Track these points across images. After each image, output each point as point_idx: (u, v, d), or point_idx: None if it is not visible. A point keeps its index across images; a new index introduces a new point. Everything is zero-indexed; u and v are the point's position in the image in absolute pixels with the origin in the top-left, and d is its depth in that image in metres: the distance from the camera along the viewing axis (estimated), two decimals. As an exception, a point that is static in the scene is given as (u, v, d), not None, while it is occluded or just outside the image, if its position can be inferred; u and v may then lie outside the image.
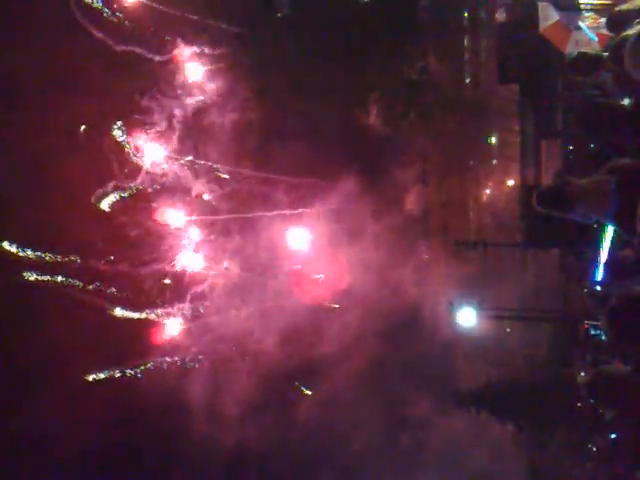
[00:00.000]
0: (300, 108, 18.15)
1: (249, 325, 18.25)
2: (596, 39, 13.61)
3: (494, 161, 19.99)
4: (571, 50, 14.15)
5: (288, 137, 17.89)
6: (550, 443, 17.48)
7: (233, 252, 18.58)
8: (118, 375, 18.37)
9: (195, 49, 17.97)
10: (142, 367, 18.42)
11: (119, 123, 18.05)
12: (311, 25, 18.45)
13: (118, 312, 18.26)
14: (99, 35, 17.37)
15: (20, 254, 17.68)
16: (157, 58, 17.89)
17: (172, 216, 18.48)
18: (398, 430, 18.00)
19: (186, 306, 18.47)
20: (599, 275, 12.47)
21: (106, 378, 18.28)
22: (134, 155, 18.19)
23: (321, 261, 18.44)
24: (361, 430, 17.79)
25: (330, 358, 17.63)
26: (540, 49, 15.95)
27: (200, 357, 18.49)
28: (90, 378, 18.13)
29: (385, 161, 18.32)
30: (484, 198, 20.36)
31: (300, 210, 18.40)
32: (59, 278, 17.96)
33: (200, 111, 18.11)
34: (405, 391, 17.80)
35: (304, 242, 18.40)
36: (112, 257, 18.02)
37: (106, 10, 17.62)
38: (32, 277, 17.83)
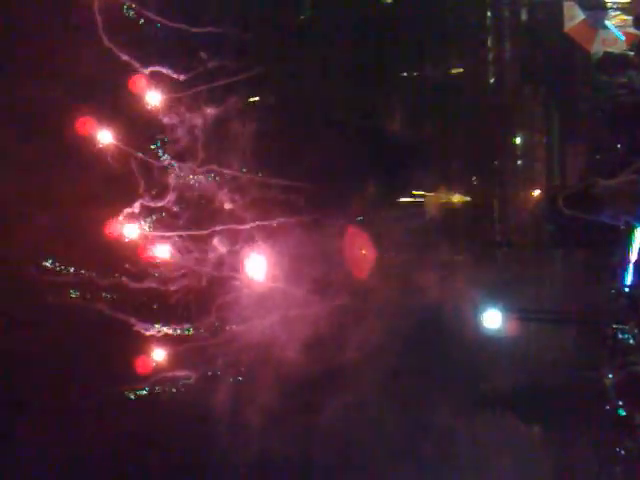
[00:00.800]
0: (321, 113, 18.16)
1: (274, 333, 18.24)
2: (623, 38, 13.51)
3: (519, 162, 19.86)
4: (597, 49, 14.05)
5: (309, 142, 17.91)
6: (577, 446, 17.32)
7: (259, 261, 18.61)
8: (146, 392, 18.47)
9: (216, 63, 17.96)
10: (168, 384, 18.49)
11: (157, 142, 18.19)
12: (333, 27, 18.45)
13: (144, 328, 18.34)
14: (124, 57, 17.48)
15: (60, 272, 17.84)
16: (182, 77, 17.95)
17: (196, 229, 18.55)
18: (422, 433, 17.92)
19: (212, 318, 18.49)
20: (628, 277, 12.34)
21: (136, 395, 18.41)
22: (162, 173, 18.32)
23: (343, 265, 18.40)
24: (385, 432, 17.76)
25: (352, 361, 17.61)
26: (565, 49, 15.87)
27: (229, 368, 18.49)
28: (121, 395, 18.25)
29: (408, 163, 18.27)
30: (509, 199, 20.24)
31: (320, 215, 18.39)
32: (87, 295, 18.11)
33: (221, 122, 18.13)
34: (429, 393, 17.73)
35: (326, 247, 18.39)
36: (139, 274, 18.13)
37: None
38: (73, 295, 18.02)
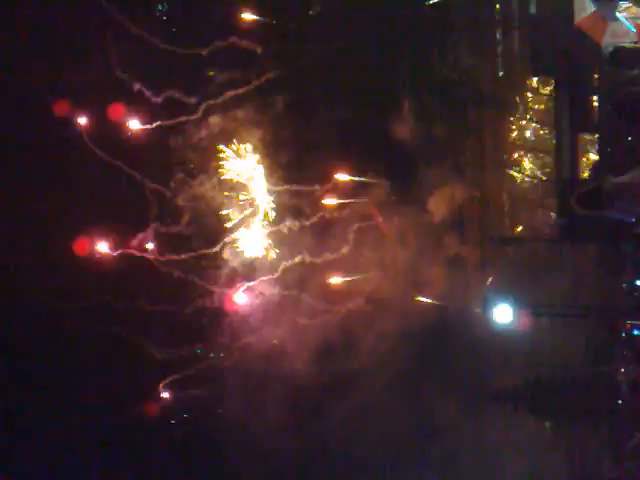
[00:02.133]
0: (331, 111, 18.12)
1: (286, 341, 18.25)
2: (634, 29, 13.38)
3: (529, 155, 19.74)
4: (608, 42, 13.91)
5: (318, 146, 17.93)
6: (590, 442, 17.25)
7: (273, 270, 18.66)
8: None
9: (226, 75, 17.95)
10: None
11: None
12: (342, 23, 18.40)
13: (158, 351, 18.40)
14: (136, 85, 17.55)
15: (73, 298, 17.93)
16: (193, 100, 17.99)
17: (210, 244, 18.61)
18: (433, 430, 17.91)
19: (226, 334, 18.49)
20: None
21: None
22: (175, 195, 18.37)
23: (354, 262, 18.37)
24: (396, 428, 17.76)
25: (362, 357, 17.62)
26: (575, 41, 15.73)
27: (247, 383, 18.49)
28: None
29: (418, 157, 18.21)
30: (519, 192, 20.14)
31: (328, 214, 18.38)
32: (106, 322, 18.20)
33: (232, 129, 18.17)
34: (439, 389, 17.70)
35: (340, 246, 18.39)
36: (155, 298, 18.20)
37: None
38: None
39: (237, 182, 18.54)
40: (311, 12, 19.65)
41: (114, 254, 18.04)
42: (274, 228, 18.47)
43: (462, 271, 18.36)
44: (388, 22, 18.31)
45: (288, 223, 18.37)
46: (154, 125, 18.03)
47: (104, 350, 17.76)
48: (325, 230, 18.39)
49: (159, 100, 17.90)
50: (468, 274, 18.46)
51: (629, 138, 14.51)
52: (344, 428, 17.58)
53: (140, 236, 18.14)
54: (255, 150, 18.35)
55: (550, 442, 18.26)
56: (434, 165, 18.23)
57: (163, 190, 18.32)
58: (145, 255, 18.19)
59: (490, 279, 18.21)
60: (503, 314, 17.12)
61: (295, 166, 18.27)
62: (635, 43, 12.99)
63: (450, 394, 17.67)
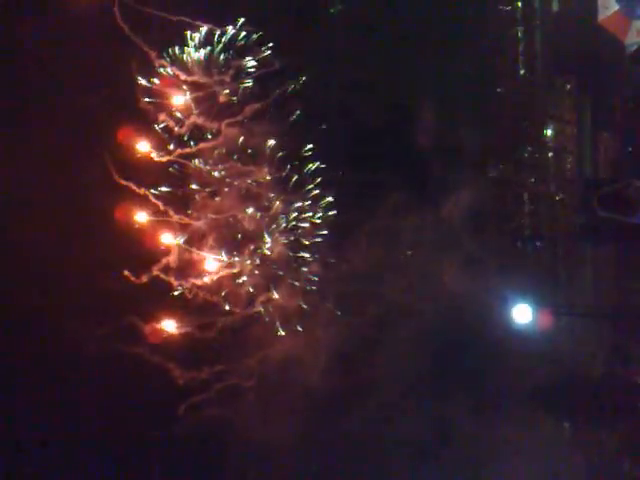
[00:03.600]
0: (351, 111, 18.13)
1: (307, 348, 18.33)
2: (658, 28, 13.25)
3: (550, 154, 19.60)
4: (631, 40, 13.83)
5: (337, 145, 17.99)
6: (609, 443, 17.15)
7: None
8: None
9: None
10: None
11: None
12: (362, 22, 18.35)
13: (181, 373, 18.57)
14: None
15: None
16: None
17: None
18: (451, 428, 17.87)
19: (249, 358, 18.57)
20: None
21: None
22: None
23: (373, 265, 18.36)
24: (414, 426, 17.75)
25: (382, 356, 17.63)
26: (598, 39, 15.63)
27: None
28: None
29: (441, 156, 18.13)
30: (540, 191, 20.01)
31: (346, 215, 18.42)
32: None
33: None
34: (458, 388, 17.66)
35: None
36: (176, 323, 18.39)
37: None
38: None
39: (255, 193, 18.64)
40: (332, 10, 19.61)
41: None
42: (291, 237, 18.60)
43: (482, 271, 18.28)
44: (409, 17, 18.24)
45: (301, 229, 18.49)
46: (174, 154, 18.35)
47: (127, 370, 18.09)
48: (343, 234, 18.46)
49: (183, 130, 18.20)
50: (488, 274, 18.38)
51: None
52: (366, 427, 17.68)
53: (164, 259, 18.41)
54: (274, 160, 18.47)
55: (569, 442, 18.19)
56: (455, 164, 18.16)
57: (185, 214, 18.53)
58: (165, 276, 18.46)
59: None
60: (522, 314, 17.08)
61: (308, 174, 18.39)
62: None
63: (468, 395, 17.64)
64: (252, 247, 18.41)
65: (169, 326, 18.27)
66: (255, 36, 17.75)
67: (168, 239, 18.32)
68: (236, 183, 18.20)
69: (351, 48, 18.49)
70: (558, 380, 17.61)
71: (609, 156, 17.83)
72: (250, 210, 18.36)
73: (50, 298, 17.17)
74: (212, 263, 18.39)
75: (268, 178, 18.21)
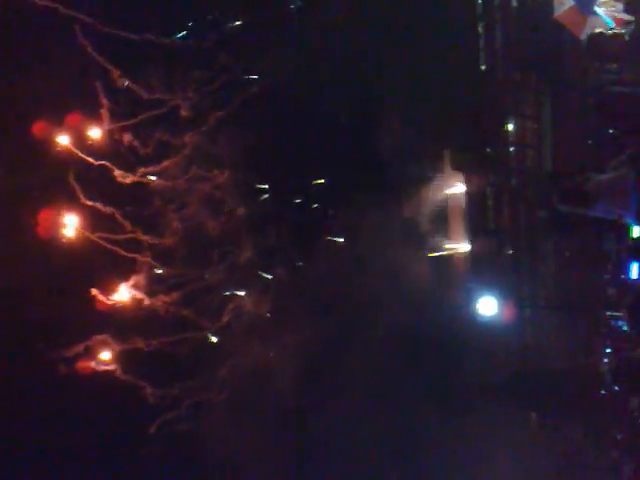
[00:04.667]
0: (310, 108, 18.17)
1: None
2: (612, 24, 13.47)
3: (511, 148, 19.80)
4: (587, 35, 14.01)
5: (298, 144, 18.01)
6: (574, 433, 17.40)
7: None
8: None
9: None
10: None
11: None
12: (321, 17, 18.35)
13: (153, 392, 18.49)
14: None
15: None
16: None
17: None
18: (418, 425, 18.00)
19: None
20: (622, 264, 12.36)
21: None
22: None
23: (335, 261, 18.40)
24: (378, 426, 17.85)
25: (345, 353, 17.71)
26: (556, 35, 15.82)
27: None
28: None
29: (402, 153, 18.22)
30: (502, 186, 20.19)
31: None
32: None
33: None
34: (425, 384, 17.79)
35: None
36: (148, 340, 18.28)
37: None
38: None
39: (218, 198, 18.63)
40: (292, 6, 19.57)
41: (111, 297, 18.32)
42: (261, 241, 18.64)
43: (447, 265, 18.43)
44: (369, 13, 18.29)
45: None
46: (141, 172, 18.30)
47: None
48: (308, 235, 18.54)
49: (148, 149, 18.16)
50: (453, 268, 18.53)
51: (610, 131, 14.60)
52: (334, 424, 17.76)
53: (134, 277, 18.38)
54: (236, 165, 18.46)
55: (535, 432, 18.41)
56: (417, 161, 18.28)
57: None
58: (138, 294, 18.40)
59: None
60: (488, 307, 17.26)
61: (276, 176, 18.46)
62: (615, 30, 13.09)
63: (435, 389, 17.78)
64: (219, 254, 18.41)
65: (140, 343, 18.24)
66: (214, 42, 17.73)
67: (137, 257, 18.36)
68: (198, 188, 18.17)
69: (313, 46, 18.49)
70: (523, 372, 17.83)
71: (569, 150, 18.05)
72: (214, 216, 18.38)
73: (19, 319, 17.11)
74: (181, 277, 18.45)
75: (229, 181, 18.22)
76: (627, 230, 12.34)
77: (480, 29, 19.41)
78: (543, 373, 17.52)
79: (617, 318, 12.84)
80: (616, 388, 13.77)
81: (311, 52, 18.48)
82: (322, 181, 18.69)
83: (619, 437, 15.31)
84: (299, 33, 18.66)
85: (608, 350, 13.84)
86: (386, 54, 18.71)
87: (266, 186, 18.87)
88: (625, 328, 12.50)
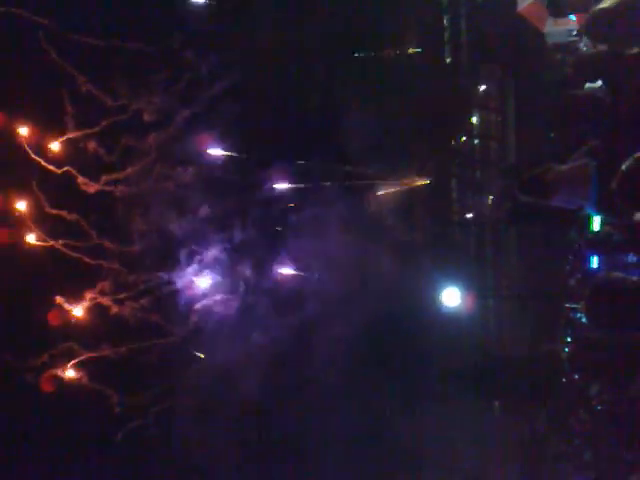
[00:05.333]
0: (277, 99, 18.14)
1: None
2: (574, 18, 13.64)
3: (475, 141, 20.01)
4: (549, 29, 14.17)
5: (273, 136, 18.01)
6: (537, 421, 17.68)
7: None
8: None
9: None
10: None
11: None
12: (282, 7, 18.32)
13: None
14: None
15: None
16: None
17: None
18: (382, 417, 18.13)
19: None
20: (583, 256, 12.58)
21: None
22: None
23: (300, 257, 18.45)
24: (341, 418, 17.95)
25: (314, 350, 17.78)
26: (519, 28, 15.96)
27: None
28: None
29: (368, 145, 18.26)
30: (466, 178, 20.41)
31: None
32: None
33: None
34: (388, 376, 17.92)
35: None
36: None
37: None
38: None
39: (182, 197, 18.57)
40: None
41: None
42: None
43: (411, 256, 18.54)
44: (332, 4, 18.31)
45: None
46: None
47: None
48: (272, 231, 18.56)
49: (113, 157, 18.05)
50: (417, 259, 18.66)
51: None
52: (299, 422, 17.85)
53: (100, 284, 18.26)
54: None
55: (497, 420, 18.67)
56: (382, 152, 18.34)
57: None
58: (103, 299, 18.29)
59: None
60: (451, 297, 17.44)
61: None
62: (574, 32, 13.27)
63: (399, 381, 17.91)
64: (186, 255, 18.36)
65: (106, 350, 18.14)
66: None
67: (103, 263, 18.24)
68: (162, 190, 18.09)
69: (275, 41, 18.44)
70: (486, 360, 18.05)
71: (532, 142, 18.28)
72: (179, 216, 18.32)
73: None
74: (149, 282, 18.37)
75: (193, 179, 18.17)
76: (588, 222, 12.56)
77: (445, 22, 19.58)
78: (505, 361, 17.77)
79: (576, 309, 13.05)
80: (575, 376, 14.03)
81: (276, 45, 18.41)
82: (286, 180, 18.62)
83: (579, 425, 15.56)
84: (265, 26, 18.57)
85: (568, 339, 14.06)
86: (350, 47, 18.75)
87: (232, 182, 18.81)
88: (583, 319, 12.71)
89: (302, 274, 18.32)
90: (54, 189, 18.00)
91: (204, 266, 18.66)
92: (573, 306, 13.23)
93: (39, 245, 18.03)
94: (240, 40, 18.17)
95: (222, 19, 18.31)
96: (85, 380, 18.14)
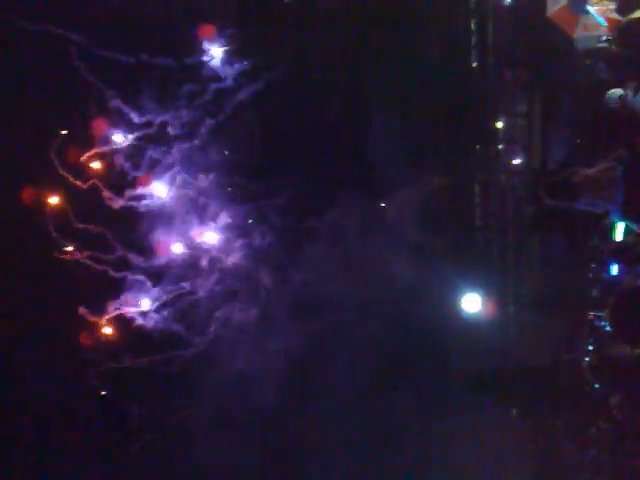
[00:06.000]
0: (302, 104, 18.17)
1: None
2: (605, 23, 13.50)
3: (500, 146, 19.88)
4: (579, 35, 14.04)
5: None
6: (555, 429, 17.51)
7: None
8: None
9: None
10: None
11: None
12: (314, 11, 18.33)
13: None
14: None
15: None
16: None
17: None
18: (401, 422, 18.07)
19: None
20: (606, 263, 12.45)
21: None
22: None
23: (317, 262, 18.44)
24: (360, 424, 17.91)
25: (333, 355, 17.78)
26: (548, 33, 15.85)
27: None
28: None
29: (392, 150, 18.23)
30: (490, 183, 20.27)
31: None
32: None
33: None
34: (406, 380, 17.85)
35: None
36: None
37: None
38: None
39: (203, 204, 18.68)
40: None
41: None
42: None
43: (432, 261, 18.46)
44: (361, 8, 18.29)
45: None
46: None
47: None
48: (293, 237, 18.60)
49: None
50: (438, 264, 18.57)
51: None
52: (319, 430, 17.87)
53: (124, 296, 18.42)
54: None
55: (515, 429, 18.51)
56: (405, 156, 18.29)
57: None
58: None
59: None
60: (471, 303, 17.33)
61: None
62: (604, 38, 13.17)
63: (417, 387, 17.84)
64: (208, 263, 18.48)
65: (129, 361, 18.29)
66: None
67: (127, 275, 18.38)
68: (185, 199, 18.22)
69: (307, 45, 18.49)
70: (505, 368, 17.92)
71: (558, 148, 18.15)
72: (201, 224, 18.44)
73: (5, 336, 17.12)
74: (171, 293, 18.52)
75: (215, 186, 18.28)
76: (611, 230, 12.45)
77: (473, 26, 19.48)
78: (525, 369, 17.62)
79: (600, 317, 12.91)
80: (596, 385, 13.87)
81: (301, 50, 18.45)
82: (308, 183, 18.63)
83: (599, 435, 15.41)
84: (289, 31, 18.62)
85: (590, 347, 13.92)
86: (376, 51, 18.73)
87: (253, 188, 18.89)
88: (607, 328, 12.57)
89: (321, 280, 18.31)
90: (81, 202, 18.17)
91: (225, 274, 18.77)
92: (596, 314, 13.08)
93: (66, 258, 18.20)
94: (265, 46, 18.24)
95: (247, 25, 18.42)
96: (107, 390, 18.30)
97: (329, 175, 18.27)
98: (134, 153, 18.22)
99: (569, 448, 17.10)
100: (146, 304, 18.41)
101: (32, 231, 17.88)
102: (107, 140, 18.05)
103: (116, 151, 18.12)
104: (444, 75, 19.09)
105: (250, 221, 18.73)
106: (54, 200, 18.14)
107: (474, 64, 19.66)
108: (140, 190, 18.36)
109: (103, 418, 18.16)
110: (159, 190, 18.46)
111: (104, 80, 17.40)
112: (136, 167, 18.29)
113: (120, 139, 18.07)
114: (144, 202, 18.38)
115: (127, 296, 18.42)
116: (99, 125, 17.89)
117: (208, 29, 17.78)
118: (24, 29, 16.51)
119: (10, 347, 17.67)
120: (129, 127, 17.97)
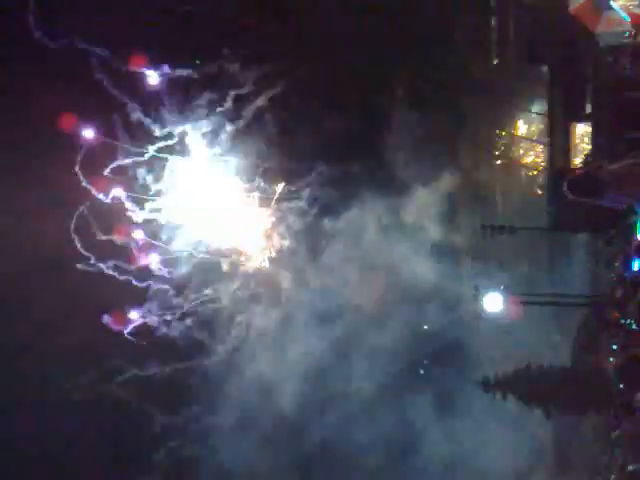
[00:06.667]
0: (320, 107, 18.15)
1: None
2: (628, 19, 13.36)
3: (522, 144, 19.72)
4: (602, 30, 13.88)
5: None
6: (579, 429, 17.33)
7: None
8: None
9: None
10: None
11: None
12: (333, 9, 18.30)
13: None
14: None
15: None
16: None
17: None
18: (422, 419, 17.98)
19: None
20: (630, 261, 12.27)
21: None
22: None
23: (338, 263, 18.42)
24: (385, 420, 17.85)
25: (353, 356, 17.73)
26: (570, 29, 15.69)
27: None
28: None
29: (412, 147, 18.14)
30: (512, 182, 20.12)
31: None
32: None
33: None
34: (428, 379, 17.77)
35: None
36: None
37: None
38: None
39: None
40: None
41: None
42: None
43: (453, 261, 18.36)
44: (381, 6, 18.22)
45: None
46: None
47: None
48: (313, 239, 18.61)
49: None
50: (459, 263, 18.46)
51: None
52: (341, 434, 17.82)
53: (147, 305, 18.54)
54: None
55: (539, 429, 18.35)
56: (427, 155, 18.19)
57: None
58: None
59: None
60: (493, 302, 17.16)
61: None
62: (629, 32, 13.01)
63: (439, 386, 17.76)
64: (229, 267, 18.53)
65: (153, 369, 18.37)
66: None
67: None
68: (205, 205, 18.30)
69: (318, 43, 18.45)
70: (528, 368, 17.73)
71: (580, 146, 17.97)
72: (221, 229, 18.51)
73: (34, 344, 17.26)
74: (194, 300, 18.60)
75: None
76: (635, 226, 12.25)
77: (493, 22, 19.33)
78: (549, 369, 17.43)
79: (625, 316, 12.72)
80: (621, 386, 13.66)
81: (316, 49, 18.42)
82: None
83: (623, 435, 15.22)
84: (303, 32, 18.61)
85: (614, 347, 13.74)
86: (396, 48, 18.64)
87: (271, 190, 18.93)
88: (634, 326, 12.39)
89: (342, 282, 18.31)
90: (104, 214, 18.29)
91: (246, 279, 18.86)
92: (620, 313, 12.90)
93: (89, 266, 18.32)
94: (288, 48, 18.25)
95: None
96: (131, 397, 18.40)
97: (347, 175, 18.25)
98: (156, 164, 18.38)
99: (593, 449, 16.93)
100: (169, 313, 18.55)
101: (56, 243, 17.97)
102: (129, 152, 18.19)
103: (138, 163, 18.27)
104: (464, 73, 18.99)
105: (272, 223, 18.78)
106: (78, 211, 18.22)
107: (495, 61, 19.52)
108: (161, 200, 18.51)
109: (128, 425, 18.23)
110: (180, 200, 18.63)
111: (126, 93, 17.51)
112: (157, 179, 18.45)
113: (141, 151, 18.23)
114: (166, 212, 18.53)
115: (151, 305, 18.56)
116: (119, 137, 18.04)
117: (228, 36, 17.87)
118: (47, 43, 16.67)
119: (34, 355, 17.77)
120: (150, 139, 18.10)
